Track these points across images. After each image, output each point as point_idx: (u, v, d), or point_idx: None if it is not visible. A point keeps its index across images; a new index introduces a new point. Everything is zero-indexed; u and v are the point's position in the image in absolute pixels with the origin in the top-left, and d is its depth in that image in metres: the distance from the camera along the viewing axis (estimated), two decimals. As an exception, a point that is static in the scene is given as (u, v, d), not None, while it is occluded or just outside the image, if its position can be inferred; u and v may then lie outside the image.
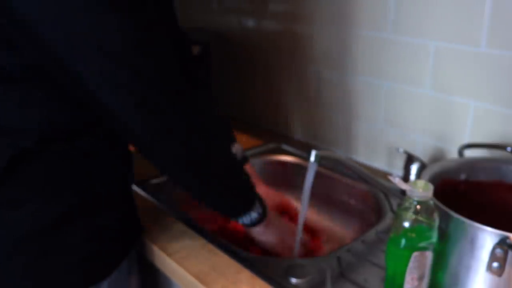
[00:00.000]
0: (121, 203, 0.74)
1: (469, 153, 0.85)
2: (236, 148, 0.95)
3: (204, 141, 0.67)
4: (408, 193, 0.58)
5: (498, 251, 0.54)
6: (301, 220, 0.83)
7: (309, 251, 0.91)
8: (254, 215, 0.78)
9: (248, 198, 0.77)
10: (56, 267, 0.65)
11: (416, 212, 0.58)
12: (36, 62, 0.58)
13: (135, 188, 0.97)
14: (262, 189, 0.89)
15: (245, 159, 0.96)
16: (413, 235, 0.58)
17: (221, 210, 0.78)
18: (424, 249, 0.59)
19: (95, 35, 0.54)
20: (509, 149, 0.83)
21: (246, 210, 0.77)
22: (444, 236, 0.61)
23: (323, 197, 1.05)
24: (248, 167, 0.96)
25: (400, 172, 0.97)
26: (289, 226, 0.88)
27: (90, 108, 0.61)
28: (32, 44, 0.55)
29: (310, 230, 0.99)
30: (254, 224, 0.79)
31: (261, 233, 0.82)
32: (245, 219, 0.78)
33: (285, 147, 1.21)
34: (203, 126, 0.67)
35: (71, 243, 0.66)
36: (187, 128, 0.64)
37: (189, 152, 0.65)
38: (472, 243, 0.58)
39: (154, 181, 1.01)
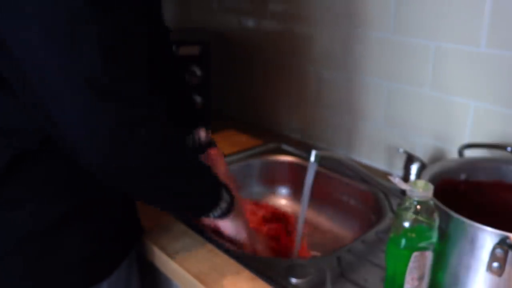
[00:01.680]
0: (121, 204, 0.74)
1: (469, 153, 0.85)
2: (199, 134, 0.92)
3: (163, 151, 0.62)
4: (408, 193, 0.58)
5: (498, 251, 0.54)
6: (301, 220, 0.83)
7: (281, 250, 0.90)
8: (223, 205, 0.74)
9: (214, 191, 0.73)
10: (56, 268, 0.65)
11: (416, 212, 0.58)
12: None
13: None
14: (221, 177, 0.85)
15: (210, 144, 0.93)
16: (413, 235, 0.58)
17: (192, 211, 0.75)
18: (424, 249, 0.59)
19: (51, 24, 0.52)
20: (509, 149, 0.83)
21: (215, 203, 0.73)
22: (444, 236, 0.61)
23: (323, 197, 1.05)
24: (215, 151, 0.94)
25: (400, 172, 0.97)
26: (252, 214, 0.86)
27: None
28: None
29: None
30: (224, 214, 0.75)
31: (228, 225, 0.78)
32: (216, 213, 0.74)
33: (285, 147, 1.21)
34: (159, 138, 0.62)
35: (71, 244, 0.66)
36: (146, 139, 0.59)
37: (145, 168, 0.61)
38: (472, 243, 0.58)
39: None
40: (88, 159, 0.57)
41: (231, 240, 0.81)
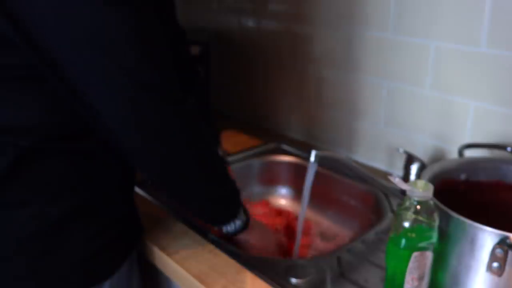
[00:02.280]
0: (122, 204, 0.74)
1: (469, 153, 0.85)
2: (220, 152, 0.94)
3: (196, 146, 0.66)
4: (408, 193, 0.58)
5: (498, 251, 0.54)
6: (301, 220, 0.83)
7: (287, 251, 0.90)
8: (238, 223, 0.77)
9: (234, 205, 0.76)
10: (58, 268, 0.65)
11: (416, 212, 0.58)
12: (31, 62, 0.57)
13: (136, 188, 0.96)
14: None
15: (217, 143, 0.95)
16: (413, 235, 0.58)
17: (207, 217, 0.77)
18: (424, 249, 0.59)
19: (91, 29, 0.54)
20: (509, 149, 0.84)
21: (232, 217, 0.76)
22: (444, 236, 0.61)
23: (323, 197, 1.05)
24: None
25: (400, 172, 0.97)
26: (270, 230, 0.87)
27: (80, 112, 0.60)
28: (26, 42, 0.55)
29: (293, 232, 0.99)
30: (237, 232, 0.78)
31: (243, 240, 0.80)
32: (230, 227, 0.76)
33: (285, 147, 1.21)
34: (194, 130, 0.66)
35: (73, 244, 0.66)
36: (179, 131, 0.63)
37: (179, 156, 0.64)
38: (472, 243, 0.58)
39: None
40: (130, 144, 0.62)
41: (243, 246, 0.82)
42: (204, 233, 0.82)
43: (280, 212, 1.06)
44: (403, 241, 0.58)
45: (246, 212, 0.79)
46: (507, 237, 0.55)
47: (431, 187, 0.58)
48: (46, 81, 0.59)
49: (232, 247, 0.79)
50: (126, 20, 0.55)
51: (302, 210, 0.82)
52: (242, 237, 0.80)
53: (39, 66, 0.57)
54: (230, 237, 0.80)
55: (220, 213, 0.76)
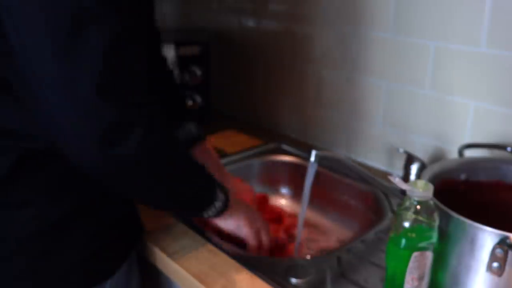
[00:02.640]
0: (122, 204, 0.74)
1: (469, 153, 0.85)
2: (189, 127, 0.92)
3: (151, 142, 0.60)
4: (408, 193, 0.58)
5: (498, 251, 0.54)
6: (301, 220, 0.83)
7: (279, 247, 0.90)
8: (218, 204, 0.73)
9: (208, 191, 0.73)
10: (59, 268, 0.65)
11: (416, 212, 0.58)
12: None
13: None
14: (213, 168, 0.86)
15: (200, 137, 0.93)
16: (413, 235, 0.58)
17: (185, 210, 0.75)
18: (424, 249, 0.59)
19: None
20: (509, 149, 0.84)
21: (209, 203, 0.72)
22: (444, 236, 0.61)
23: (323, 197, 1.05)
24: (207, 144, 0.94)
25: (400, 172, 0.97)
26: (251, 206, 0.85)
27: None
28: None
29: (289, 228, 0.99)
30: (219, 213, 0.75)
31: (227, 220, 0.77)
32: (210, 212, 0.73)
33: (285, 147, 1.21)
34: (155, 134, 0.61)
35: (74, 244, 0.66)
36: (144, 133, 0.58)
37: (135, 159, 0.59)
38: (472, 243, 0.58)
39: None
40: (83, 158, 0.57)
41: (233, 237, 0.80)
42: (203, 233, 0.82)
43: (279, 213, 1.06)
44: (403, 241, 0.58)
45: (223, 191, 0.75)
46: (507, 237, 0.55)
47: (431, 187, 0.58)
48: (18, 86, 0.58)
49: (232, 247, 0.79)
50: (102, 18, 0.53)
51: (302, 210, 0.82)
52: (219, 223, 0.78)
53: (5, 69, 0.57)
54: (218, 227, 0.78)
55: (197, 205, 0.73)
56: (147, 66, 0.61)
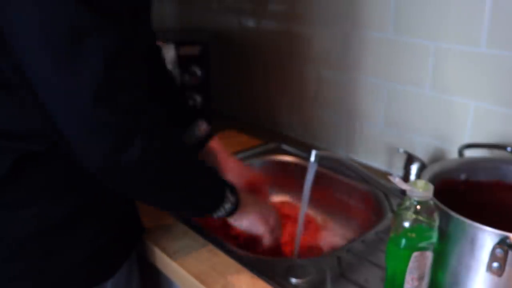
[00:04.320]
0: (123, 204, 0.74)
1: (469, 153, 0.85)
2: (201, 126, 0.92)
3: (155, 146, 0.61)
4: (408, 193, 0.58)
5: (498, 251, 0.54)
6: (301, 220, 0.83)
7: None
8: (227, 206, 0.74)
9: (217, 193, 0.73)
10: (61, 268, 0.65)
11: (416, 212, 0.58)
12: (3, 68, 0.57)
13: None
14: (230, 164, 0.88)
15: (210, 136, 0.93)
16: (413, 235, 0.58)
17: (193, 213, 0.75)
18: (424, 249, 0.59)
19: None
20: (509, 149, 0.84)
21: (218, 205, 0.73)
22: (444, 236, 0.61)
23: (323, 197, 1.05)
24: (215, 143, 0.94)
25: (400, 172, 0.97)
26: (265, 202, 0.85)
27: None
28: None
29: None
30: (230, 213, 0.75)
31: (239, 220, 0.78)
32: (220, 213, 0.74)
33: (285, 147, 1.21)
34: (152, 131, 0.61)
35: (75, 244, 0.66)
36: (140, 135, 0.58)
37: (149, 161, 0.60)
38: (472, 243, 0.58)
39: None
40: (90, 165, 0.58)
41: (246, 236, 0.80)
42: (203, 233, 0.82)
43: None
44: (403, 241, 0.58)
45: (234, 192, 0.75)
46: (507, 237, 0.55)
47: (431, 187, 0.58)
48: (18, 87, 0.58)
49: (232, 247, 0.79)
50: (98, 28, 0.53)
51: (302, 210, 0.82)
52: (242, 224, 0.78)
53: (5, 70, 0.57)
54: (231, 225, 0.79)
55: (205, 207, 0.73)
56: (146, 74, 0.61)
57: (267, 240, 0.81)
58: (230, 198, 0.74)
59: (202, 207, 0.73)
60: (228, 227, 0.87)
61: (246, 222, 0.79)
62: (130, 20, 0.59)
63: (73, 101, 0.54)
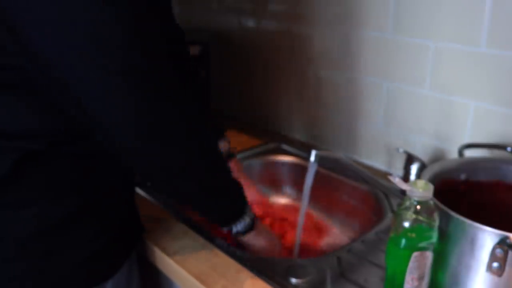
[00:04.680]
0: (123, 204, 0.74)
1: (469, 153, 0.85)
2: (224, 144, 0.93)
3: (198, 143, 0.65)
4: (408, 193, 0.58)
5: (498, 251, 0.54)
6: (301, 220, 0.83)
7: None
8: (247, 220, 0.75)
9: (241, 200, 0.74)
10: (60, 268, 0.65)
11: (416, 212, 0.58)
12: (20, 64, 0.57)
13: (136, 188, 0.96)
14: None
15: (232, 155, 0.95)
16: (413, 235, 0.58)
17: (214, 214, 0.75)
18: (424, 249, 0.59)
19: (88, 32, 0.52)
20: (509, 149, 0.84)
21: (241, 213, 0.74)
22: (444, 236, 0.61)
23: (323, 197, 1.05)
24: (234, 163, 0.95)
25: (400, 172, 0.97)
26: (275, 235, 0.87)
27: (73, 117, 0.59)
28: (20, 47, 0.55)
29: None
30: (247, 230, 0.76)
31: (252, 240, 0.79)
32: (239, 226, 0.75)
33: (285, 147, 1.21)
34: (198, 128, 0.64)
35: (75, 244, 0.66)
36: (184, 131, 0.62)
37: (183, 156, 0.63)
38: (472, 243, 0.58)
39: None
40: (127, 146, 0.59)
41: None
42: (203, 233, 0.82)
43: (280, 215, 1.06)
44: (403, 241, 0.58)
45: (251, 210, 0.77)
46: (507, 237, 0.55)
47: (431, 187, 0.58)
48: (36, 85, 0.58)
49: (232, 247, 0.79)
50: (122, 18, 0.53)
51: (302, 210, 0.82)
52: (249, 240, 0.79)
53: (27, 67, 0.56)
54: (239, 240, 0.79)
55: (227, 209, 0.74)
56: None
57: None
58: (251, 213, 0.76)
59: (225, 211, 0.74)
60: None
61: (258, 243, 0.80)
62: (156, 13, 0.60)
63: (115, 95, 0.54)
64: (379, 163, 1.10)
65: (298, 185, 1.10)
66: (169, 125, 0.60)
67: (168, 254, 0.76)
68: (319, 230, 1.03)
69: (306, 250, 0.94)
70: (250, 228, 0.76)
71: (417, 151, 0.98)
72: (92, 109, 0.56)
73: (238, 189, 0.75)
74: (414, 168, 0.93)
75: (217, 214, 0.75)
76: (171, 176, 0.65)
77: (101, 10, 0.52)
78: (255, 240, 0.79)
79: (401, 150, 0.96)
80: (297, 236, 0.85)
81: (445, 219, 0.60)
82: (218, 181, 0.71)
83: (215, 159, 0.70)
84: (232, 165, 0.95)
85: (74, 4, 0.51)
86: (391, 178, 0.60)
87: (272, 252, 0.82)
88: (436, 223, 0.59)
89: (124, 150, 0.61)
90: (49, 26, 0.52)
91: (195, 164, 0.65)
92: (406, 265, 0.59)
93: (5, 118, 0.60)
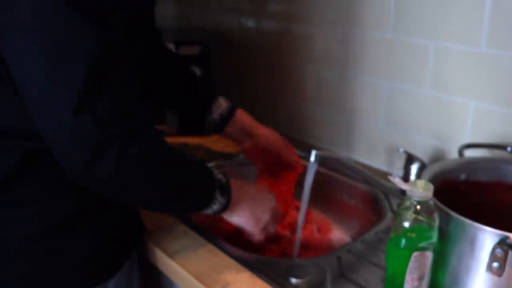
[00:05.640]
0: (123, 204, 0.74)
1: (469, 153, 0.85)
2: (220, 103, 0.93)
3: (139, 153, 0.60)
4: (408, 193, 0.58)
5: (498, 251, 0.54)
6: (301, 220, 0.83)
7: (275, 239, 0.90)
8: (215, 207, 0.72)
9: (204, 195, 0.71)
10: (61, 268, 0.65)
11: (416, 212, 0.58)
12: None
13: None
14: (263, 131, 0.94)
15: (233, 108, 0.94)
16: (413, 235, 0.58)
17: (180, 212, 0.78)
18: (424, 249, 0.59)
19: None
20: (509, 149, 0.84)
21: (206, 205, 0.71)
22: (444, 236, 0.61)
23: (323, 197, 1.05)
24: (241, 113, 0.96)
25: (400, 172, 0.97)
26: (263, 195, 0.83)
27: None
28: None
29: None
30: (219, 212, 0.74)
31: (229, 216, 0.76)
32: (208, 212, 0.73)
33: (285, 147, 1.21)
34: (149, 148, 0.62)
35: (76, 243, 0.66)
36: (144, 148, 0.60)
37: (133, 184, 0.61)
38: (472, 243, 0.58)
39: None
40: (66, 170, 0.59)
41: (238, 230, 0.80)
42: (203, 233, 0.82)
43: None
44: (403, 241, 0.58)
45: (225, 191, 0.73)
46: (507, 237, 0.55)
47: (431, 187, 0.58)
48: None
49: (231, 247, 0.79)
50: (87, 34, 0.54)
51: (302, 210, 0.82)
52: (229, 218, 0.77)
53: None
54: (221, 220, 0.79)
55: (192, 208, 0.74)
56: (139, 76, 0.61)
57: (256, 237, 0.80)
58: (219, 199, 0.72)
59: (189, 207, 0.73)
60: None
61: (236, 219, 0.77)
62: (124, 23, 0.59)
63: (53, 106, 0.55)
64: (379, 163, 1.10)
65: (298, 185, 1.09)
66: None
67: (169, 255, 0.76)
68: (319, 230, 1.03)
69: (306, 250, 0.94)
70: (221, 211, 0.74)
71: (417, 151, 0.98)
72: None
73: (198, 181, 0.71)
74: (414, 168, 0.93)
75: (180, 212, 0.78)
76: (121, 191, 0.63)
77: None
78: (233, 216, 0.76)
79: (401, 150, 0.96)
80: (297, 236, 0.85)
81: (445, 219, 0.60)
82: (167, 186, 0.67)
83: (159, 162, 0.65)
84: (241, 115, 0.96)
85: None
86: (391, 178, 0.60)
87: (252, 226, 0.79)
88: (436, 223, 0.59)
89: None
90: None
91: (133, 176, 0.61)
92: (406, 265, 0.59)
93: (6, 116, 0.60)
